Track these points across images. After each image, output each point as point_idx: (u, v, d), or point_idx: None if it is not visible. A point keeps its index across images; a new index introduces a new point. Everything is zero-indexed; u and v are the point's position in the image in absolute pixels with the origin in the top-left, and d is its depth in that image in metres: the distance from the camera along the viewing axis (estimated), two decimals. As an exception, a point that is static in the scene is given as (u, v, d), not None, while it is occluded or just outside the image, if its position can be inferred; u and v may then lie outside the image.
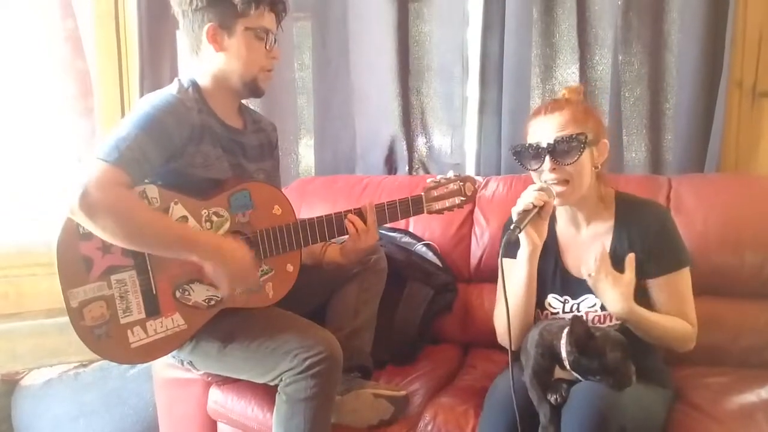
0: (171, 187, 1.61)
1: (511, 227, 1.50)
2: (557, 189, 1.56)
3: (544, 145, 1.54)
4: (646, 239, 1.56)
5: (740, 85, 2.21)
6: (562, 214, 1.69)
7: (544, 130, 1.56)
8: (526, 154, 1.59)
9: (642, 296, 1.55)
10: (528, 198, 1.53)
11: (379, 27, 2.52)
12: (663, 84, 2.30)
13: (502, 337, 1.68)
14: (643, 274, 1.54)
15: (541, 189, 1.54)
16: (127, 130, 1.51)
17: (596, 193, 1.63)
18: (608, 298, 1.49)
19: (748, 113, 2.22)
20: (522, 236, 1.55)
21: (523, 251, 1.58)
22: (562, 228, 1.69)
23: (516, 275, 1.60)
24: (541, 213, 1.54)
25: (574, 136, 1.52)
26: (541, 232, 1.57)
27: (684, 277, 1.59)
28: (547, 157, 1.54)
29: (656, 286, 1.58)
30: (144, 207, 1.54)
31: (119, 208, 1.46)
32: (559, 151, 1.53)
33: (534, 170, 1.59)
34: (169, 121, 1.57)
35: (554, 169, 1.54)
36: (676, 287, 1.57)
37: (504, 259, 1.51)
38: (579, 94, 1.63)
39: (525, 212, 1.51)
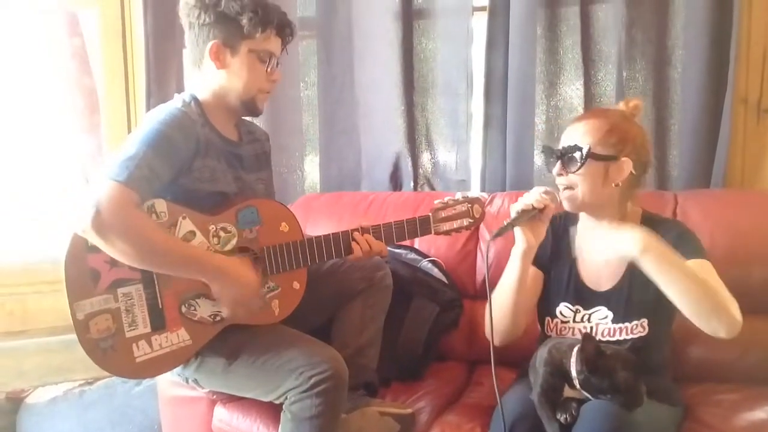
0: (179, 202, 1.61)
1: (505, 222, 1.53)
2: (563, 194, 1.59)
3: (555, 149, 1.60)
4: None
5: (745, 101, 2.21)
6: (584, 225, 1.69)
7: (567, 134, 1.61)
8: (545, 155, 1.65)
9: (666, 319, 1.58)
10: (529, 198, 1.55)
11: (384, 44, 2.53)
12: (668, 100, 2.30)
13: (488, 331, 1.67)
14: None
15: (546, 192, 1.56)
16: (136, 148, 1.52)
17: (620, 211, 1.62)
18: (624, 238, 1.45)
19: (754, 129, 2.22)
20: (518, 233, 1.57)
21: (517, 249, 1.59)
22: (582, 239, 1.70)
23: (508, 271, 1.63)
24: (541, 215, 1.56)
25: (574, 147, 1.55)
26: (538, 233, 1.58)
27: (709, 266, 1.54)
28: (558, 162, 1.58)
29: None
30: (156, 228, 1.54)
31: (132, 230, 1.47)
32: (565, 159, 1.57)
33: (550, 172, 1.63)
34: (176, 136, 1.58)
35: (560, 174, 1.58)
36: (703, 270, 1.51)
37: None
38: (632, 111, 1.62)
39: (524, 212, 1.54)
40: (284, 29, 1.71)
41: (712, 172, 2.21)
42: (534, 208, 1.54)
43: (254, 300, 1.65)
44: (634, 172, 1.56)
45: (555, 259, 1.69)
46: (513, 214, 1.55)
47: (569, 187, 1.58)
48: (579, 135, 1.57)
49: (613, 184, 1.56)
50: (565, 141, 1.59)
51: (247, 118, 1.86)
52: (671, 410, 1.57)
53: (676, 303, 1.45)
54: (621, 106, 1.65)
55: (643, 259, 1.43)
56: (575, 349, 1.41)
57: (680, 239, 1.56)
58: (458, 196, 1.78)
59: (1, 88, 2.49)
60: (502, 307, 1.63)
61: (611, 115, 1.60)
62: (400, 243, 2.23)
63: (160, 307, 1.61)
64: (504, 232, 1.53)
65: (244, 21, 1.61)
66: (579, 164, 1.54)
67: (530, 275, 1.66)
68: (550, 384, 1.44)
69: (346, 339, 1.85)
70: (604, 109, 1.66)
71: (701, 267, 1.52)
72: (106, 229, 1.45)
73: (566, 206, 1.62)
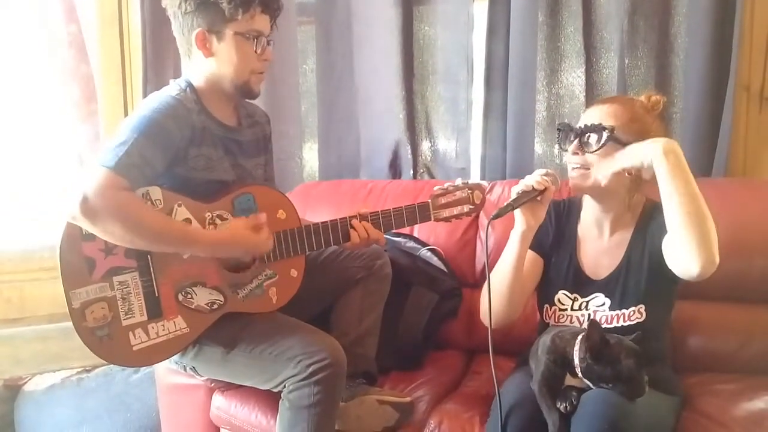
0: (175, 189, 1.60)
1: (505, 203, 1.53)
2: (574, 173, 1.58)
3: (576, 127, 1.58)
4: (659, 231, 1.52)
5: (747, 89, 2.19)
6: (588, 213, 1.68)
7: (588, 115, 1.60)
8: (562, 132, 1.62)
9: (663, 305, 1.56)
10: (530, 180, 1.55)
11: (384, 31, 2.51)
12: (670, 88, 2.29)
13: (483, 314, 1.69)
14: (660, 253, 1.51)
15: (547, 174, 1.56)
16: (126, 135, 1.51)
17: (627, 202, 1.60)
18: (646, 143, 1.46)
19: (756, 118, 2.21)
20: (517, 215, 1.57)
21: (516, 230, 1.59)
22: (585, 228, 1.69)
23: (506, 252, 1.62)
24: (541, 198, 1.55)
25: (599, 125, 1.53)
26: (537, 215, 1.58)
27: None
28: (576, 140, 1.56)
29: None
30: (145, 208, 1.54)
31: (120, 212, 1.46)
32: (584, 138, 1.55)
33: (564, 150, 1.62)
34: (170, 124, 1.56)
35: (576, 153, 1.57)
36: None
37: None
38: (653, 106, 1.61)
39: (524, 193, 1.54)
40: (269, 4, 1.67)
41: (714, 161, 2.19)
42: (534, 190, 1.54)
43: (262, 244, 1.63)
44: None
45: (556, 246, 1.69)
46: (513, 195, 1.55)
47: (583, 167, 1.56)
48: (602, 116, 1.56)
49: (626, 173, 1.54)
50: (587, 120, 1.57)
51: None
52: (670, 399, 1.57)
53: (672, 220, 1.42)
54: (642, 98, 1.63)
55: (662, 160, 1.42)
56: (579, 337, 1.41)
57: None
58: (458, 182, 1.76)
59: (-1, 75, 2.48)
60: (498, 289, 1.62)
61: (636, 105, 1.60)
62: (399, 231, 2.23)
63: (157, 295, 1.60)
64: (504, 213, 1.52)
65: (224, 4, 1.58)
66: (599, 145, 1.53)
67: (530, 260, 1.66)
68: (552, 372, 1.44)
69: (344, 327, 1.84)
70: (629, 98, 1.66)
71: None
72: (95, 212, 1.44)
73: (574, 186, 1.60)
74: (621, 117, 1.55)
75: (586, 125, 1.56)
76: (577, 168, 1.58)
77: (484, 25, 2.41)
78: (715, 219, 1.88)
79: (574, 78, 2.38)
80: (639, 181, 1.57)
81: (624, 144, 1.53)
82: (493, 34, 2.40)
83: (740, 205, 1.96)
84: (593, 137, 1.54)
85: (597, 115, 1.57)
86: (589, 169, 1.56)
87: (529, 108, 2.39)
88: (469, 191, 1.74)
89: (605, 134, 1.52)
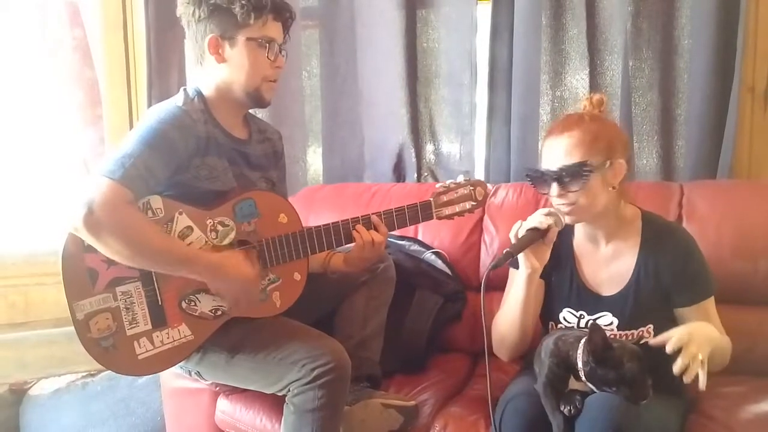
0: (176, 197, 1.60)
1: (505, 251, 1.48)
2: (566, 209, 1.54)
3: (550, 172, 1.52)
4: (674, 268, 1.53)
5: (752, 90, 2.19)
6: (580, 230, 1.66)
7: (552, 153, 1.53)
8: (536, 180, 1.57)
9: (671, 325, 1.54)
10: (532, 222, 1.52)
11: (387, 34, 2.52)
12: (674, 90, 2.28)
13: (496, 347, 1.69)
14: (671, 304, 1.55)
15: (549, 213, 1.53)
16: (132, 146, 1.51)
17: (615, 212, 1.58)
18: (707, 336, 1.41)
19: (761, 119, 2.20)
20: (521, 258, 1.53)
21: (521, 273, 1.56)
22: (580, 243, 1.67)
23: (514, 291, 1.61)
24: (544, 239, 1.53)
25: (576, 165, 1.49)
26: (541, 257, 1.55)
27: (712, 305, 1.56)
28: (554, 184, 1.52)
29: (686, 316, 1.54)
30: (148, 227, 1.53)
31: (124, 229, 1.47)
32: (564, 179, 1.50)
33: (545, 194, 1.57)
34: (175, 135, 1.56)
35: (561, 195, 1.52)
36: (707, 314, 1.54)
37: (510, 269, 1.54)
38: (598, 107, 1.59)
39: (528, 235, 1.51)
40: (282, 12, 1.68)
41: (719, 163, 2.18)
42: (538, 231, 1.51)
43: (253, 291, 1.64)
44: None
45: (556, 265, 1.64)
46: (513, 240, 1.51)
47: (571, 204, 1.52)
48: (567, 150, 1.51)
49: (610, 188, 1.53)
50: (552, 159, 1.53)
51: (259, 116, 1.83)
52: (676, 403, 1.56)
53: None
54: (586, 104, 1.60)
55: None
56: (582, 341, 1.40)
57: (687, 269, 1.54)
58: (460, 179, 1.75)
59: (3, 80, 2.48)
60: (508, 330, 1.62)
61: (588, 121, 1.55)
62: (403, 234, 2.23)
63: (160, 303, 1.61)
64: (505, 261, 1.47)
65: (237, 9, 1.60)
66: (583, 182, 1.49)
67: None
68: (556, 375, 1.43)
69: (349, 331, 1.84)
70: (576, 117, 1.58)
71: (707, 312, 1.55)
72: (99, 227, 1.44)
73: (571, 220, 1.57)
74: (585, 142, 1.50)
75: (562, 168, 1.50)
76: (568, 207, 1.53)
77: (488, 27, 2.41)
78: (720, 221, 1.91)
79: (578, 80, 2.38)
80: (620, 190, 1.56)
81: (602, 167, 1.50)
82: (496, 36, 2.40)
83: (745, 207, 1.95)
84: (574, 176, 1.49)
85: (560, 151, 1.51)
86: (576, 203, 1.51)
87: (533, 111, 2.38)
88: (472, 188, 1.74)
89: (584, 170, 1.48)
